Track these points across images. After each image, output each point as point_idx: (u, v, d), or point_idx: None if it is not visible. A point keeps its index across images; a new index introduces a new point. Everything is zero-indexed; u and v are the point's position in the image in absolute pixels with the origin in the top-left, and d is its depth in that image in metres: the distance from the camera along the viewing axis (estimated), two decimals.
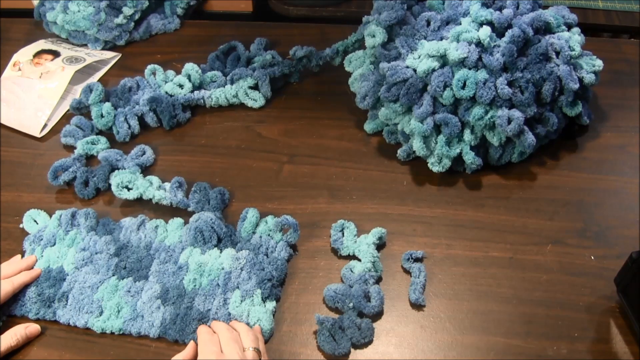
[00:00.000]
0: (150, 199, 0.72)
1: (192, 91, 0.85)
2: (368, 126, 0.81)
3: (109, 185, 0.75)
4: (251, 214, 0.70)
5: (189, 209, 0.72)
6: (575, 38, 0.74)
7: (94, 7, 0.94)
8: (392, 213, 0.72)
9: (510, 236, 0.70)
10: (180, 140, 0.83)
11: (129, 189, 0.74)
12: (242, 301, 0.63)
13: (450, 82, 0.70)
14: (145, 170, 0.78)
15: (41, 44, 0.95)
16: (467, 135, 0.72)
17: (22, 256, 0.69)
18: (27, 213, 0.72)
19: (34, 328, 0.62)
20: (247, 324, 0.61)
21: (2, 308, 0.64)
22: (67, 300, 0.64)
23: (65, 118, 0.86)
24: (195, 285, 0.64)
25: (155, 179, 0.75)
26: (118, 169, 0.77)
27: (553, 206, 0.72)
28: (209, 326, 0.61)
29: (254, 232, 0.69)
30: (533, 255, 0.68)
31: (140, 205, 0.74)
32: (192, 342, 0.60)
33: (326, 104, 0.86)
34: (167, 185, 0.75)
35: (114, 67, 0.94)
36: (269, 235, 0.69)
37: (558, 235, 0.69)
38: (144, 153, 0.79)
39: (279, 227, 0.69)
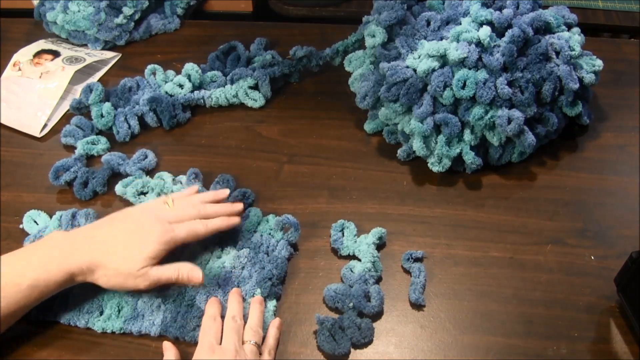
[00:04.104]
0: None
1: (192, 91, 0.86)
2: (368, 126, 0.81)
3: (107, 189, 0.75)
4: (253, 213, 0.70)
5: None
6: (575, 38, 0.74)
7: (94, 7, 0.94)
8: (392, 213, 0.72)
9: (510, 236, 0.70)
10: (180, 140, 0.83)
11: (145, 194, 0.74)
12: (242, 300, 0.63)
13: (450, 82, 0.70)
14: (147, 173, 0.78)
15: (41, 44, 0.95)
16: (467, 135, 0.72)
17: None
18: (27, 214, 0.72)
19: (197, 275, 0.61)
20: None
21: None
22: (67, 301, 0.64)
23: (65, 118, 0.86)
24: None
25: (165, 175, 0.75)
26: (119, 172, 0.77)
27: (553, 206, 0.72)
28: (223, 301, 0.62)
29: (254, 231, 0.69)
30: (533, 255, 0.68)
31: None
32: (166, 344, 0.59)
33: (326, 104, 0.87)
34: (183, 177, 0.75)
35: (114, 67, 0.94)
36: (269, 234, 0.69)
37: (558, 235, 0.69)
38: (145, 157, 0.79)
39: (280, 226, 0.69)
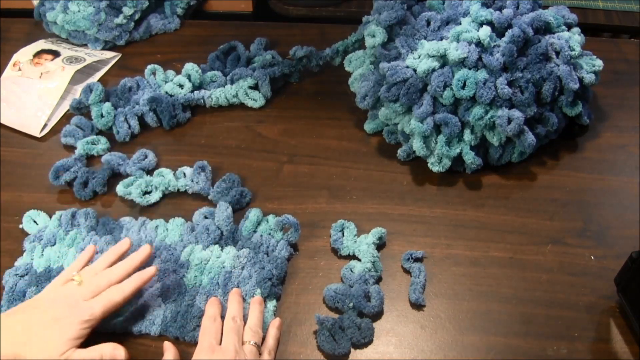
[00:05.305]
0: (173, 191, 0.74)
1: (192, 91, 0.86)
2: (368, 126, 0.81)
3: (107, 189, 0.76)
4: (253, 213, 0.70)
5: (209, 197, 0.73)
6: (575, 38, 0.74)
7: (94, 7, 0.94)
8: (392, 213, 0.72)
9: (510, 236, 0.70)
10: (180, 140, 0.83)
11: (149, 193, 0.74)
12: (242, 300, 0.63)
13: (450, 82, 0.70)
14: (148, 173, 0.78)
15: (41, 44, 0.95)
16: (467, 135, 0.72)
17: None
18: (27, 214, 0.72)
19: (120, 353, 0.57)
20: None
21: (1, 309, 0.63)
22: None
23: (65, 118, 0.86)
24: (196, 283, 0.64)
25: (166, 171, 0.76)
26: (119, 172, 0.77)
27: (553, 206, 0.72)
28: (224, 300, 0.62)
29: (254, 231, 0.69)
30: (533, 255, 0.68)
31: (140, 206, 0.74)
32: (166, 344, 0.59)
33: (326, 104, 0.87)
34: (186, 169, 0.76)
35: (114, 67, 0.94)
36: (269, 234, 0.69)
37: (558, 235, 0.69)
38: (145, 157, 0.79)
39: (280, 226, 0.69)
